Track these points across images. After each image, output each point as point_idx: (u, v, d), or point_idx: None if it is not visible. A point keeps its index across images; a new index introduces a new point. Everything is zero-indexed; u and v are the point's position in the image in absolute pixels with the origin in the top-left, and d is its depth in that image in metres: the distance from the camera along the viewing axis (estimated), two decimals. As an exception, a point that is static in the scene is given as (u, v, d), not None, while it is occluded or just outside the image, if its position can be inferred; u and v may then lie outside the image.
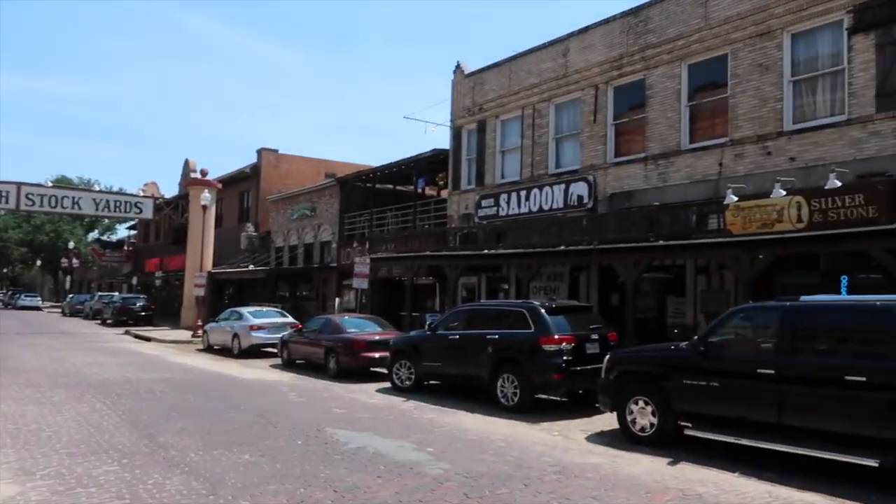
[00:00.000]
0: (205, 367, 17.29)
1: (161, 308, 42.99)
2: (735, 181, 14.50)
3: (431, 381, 13.16)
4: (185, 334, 28.62)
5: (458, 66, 23.47)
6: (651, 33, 16.77)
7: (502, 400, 11.12)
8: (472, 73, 22.70)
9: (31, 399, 11.35)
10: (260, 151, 38.27)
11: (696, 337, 8.35)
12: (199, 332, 27.04)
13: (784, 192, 10.83)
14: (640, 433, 8.58)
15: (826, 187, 10.89)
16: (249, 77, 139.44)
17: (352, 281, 27.05)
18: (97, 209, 34.01)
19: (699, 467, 7.37)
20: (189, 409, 10.63)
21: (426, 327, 13.01)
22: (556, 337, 10.64)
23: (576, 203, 18.18)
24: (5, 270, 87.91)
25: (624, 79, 17.50)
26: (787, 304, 7.65)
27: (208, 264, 32.95)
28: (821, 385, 7.00)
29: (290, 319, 21.83)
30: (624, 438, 8.74)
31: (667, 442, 8.30)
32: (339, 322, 16.27)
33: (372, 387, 13.96)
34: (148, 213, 34.56)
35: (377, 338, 15.41)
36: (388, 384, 14.09)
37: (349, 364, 15.26)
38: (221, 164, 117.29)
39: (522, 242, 17.29)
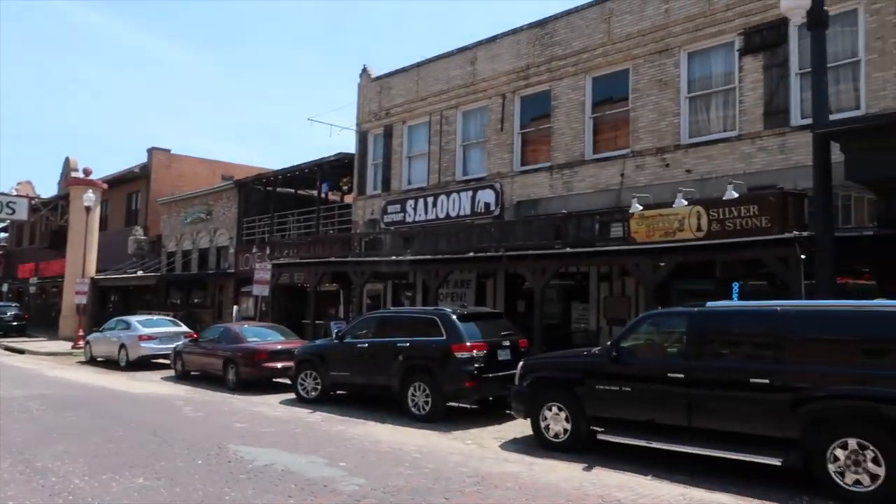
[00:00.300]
0: (88, 381, 15.97)
1: (36, 318, 39.83)
2: (637, 191, 15.00)
3: (339, 392, 12.74)
4: (65, 346, 26.51)
5: (364, 70, 23.12)
6: (557, 45, 17.14)
7: (413, 409, 10.89)
8: (379, 77, 22.43)
9: None
10: (150, 151, 36.21)
11: (608, 343, 8.46)
12: (81, 342, 25.14)
13: (686, 202, 11.27)
14: (553, 439, 8.59)
15: (724, 198, 11.43)
16: (136, 73, 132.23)
17: (251, 288, 26.01)
18: (-38, 209, 30.98)
19: (613, 472, 7.43)
20: (71, 428, 9.68)
21: (333, 336, 12.57)
22: (468, 344, 10.53)
23: (483, 210, 18.27)
24: None
25: (531, 89, 17.79)
26: (695, 309, 7.89)
27: (91, 270, 30.76)
28: (727, 388, 7.25)
29: (183, 328, 20.65)
30: (538, 445, 8.73)
31: (580, 447, 8.35)
32: (238, 331, 15.49)
33: (275, 399, 13.35)
34: (22, 215, 31.83)
35: (280, 347, 14.78)
36: (292, 396, 13.52)
37: (250, 375, 14.54)
38: (106, 164, 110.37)
39: (430, 249, 17.16)
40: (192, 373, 16.67)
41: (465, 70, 19.48)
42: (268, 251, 24.97)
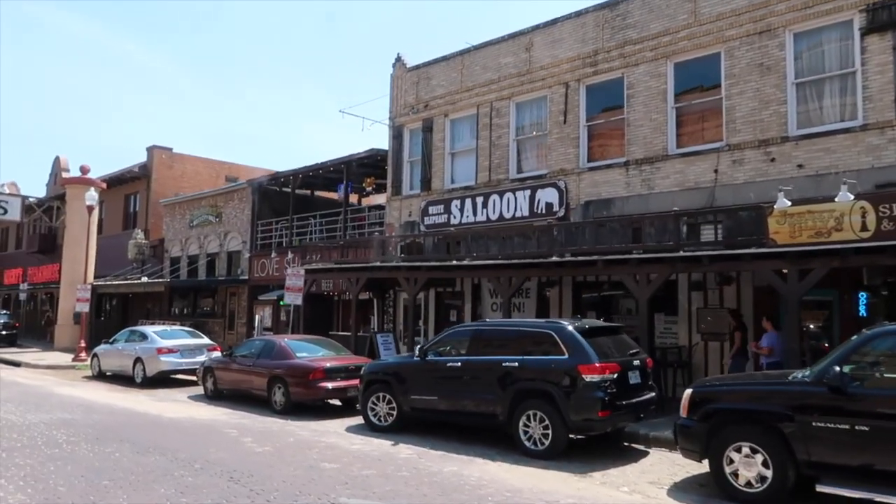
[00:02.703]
0: (109, 402, 13.96)
1: (26, 326, 37.42)
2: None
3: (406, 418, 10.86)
4: (64, 358, 24.31)
5: (398, 59, 21.33)
6: (631, 28, 15.50)
7: (527, 443, 9.09)
8: (417, 67, 20.67)
9: None
10: (151, 149, 34.05)
11: (821, 366, 6.72)
12: (83, 355, 23.03)
13: (852, 196, 9.56)
14: (745, 489, 6.84)
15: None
16: (124, 80, 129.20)
17: (270, 295, 24.17)
18: (-52, 210, 28.64)
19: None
20: (122, 471, 7.76)
21: (416, 352, 10.70)
22: (598, 365, 8.77)
23: (544, 211, 16.55)
24: None
25: (599, 77, 16.12)
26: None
27: (90, 276, 28.55)
28: None
29: (205, 340, 18.67)
30: (721, 495, 6.99)
31: (783, 499, 6.63)
32: (284, 345, 13.57)
33: (337, 425, 11.49)
34: (15, 215, 29.49)
35: (335, 364, 12.90)
36: (352, 421, 11.75)
37: (302, 397, 12.64)
38: (96, 167, 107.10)
39: (480, 253, 15.46)
40: (225, 391, 14.70)
41: (519, 57, 17.78)
42: (289, 256, 23.17)
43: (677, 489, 7.41)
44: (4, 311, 35.01)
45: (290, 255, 23.60)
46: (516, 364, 9.35)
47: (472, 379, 9.83)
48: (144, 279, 28.33)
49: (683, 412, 7.48)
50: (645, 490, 7.38)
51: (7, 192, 30.68)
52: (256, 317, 22.57)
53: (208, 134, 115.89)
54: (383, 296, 20.46)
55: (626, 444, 9.86)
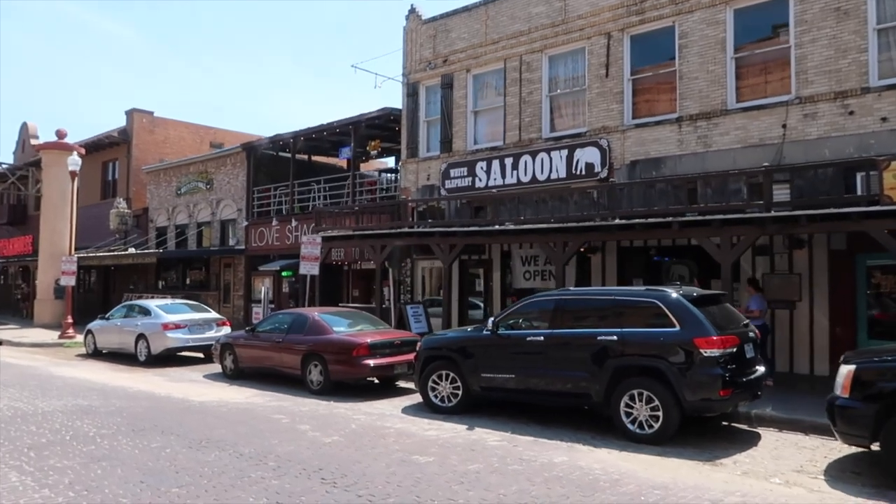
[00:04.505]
0: (120, 384, 12.57)
1: (-2, 302, 35.29)
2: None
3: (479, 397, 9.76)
4: (47, 335, 22.67)
5: (412, 11, 19.81)
6: (683, -28, 14.26)
7: (630, 426, 8.03)
8: (433, 19, 19.17)
9: None
10: (130, 113, 31.90)
11: None
12: (70, 331, 21.44)
13: None
14: (932, 480, 5.88)
15: None
16: (97, 52, 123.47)
17: (271, 266, 22.75)
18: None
19: None
20: (187, 472, 6.50)
21: (489, 325, 9.49)
22: (717, 338, 7.71)
23: (584, 172, 15.41)
24: None
25: (646, 26, 14.90)
26: None
27: (70, 247, 26.65)
28: None
29: (213, 314, 17.29)
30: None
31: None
32: (319, 319, 12.28)
33: (387, 406, 10.34)
34: (-14, 183, 27.29)
35: (378, 339, 11.68)
36: (400, 401, 10.65)
37: (343, 375, 11.42)
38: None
39: (510, 218, 14.32)
40: (246, 370, 13.41)
41: (552, 6, 16.43)
42: (293, 223, 21.78)
43: (834, 479, 6.44)
44: (-24, 286, 32.87)
45: (293, 223, 22.18)
46: (614, 338, 8.25)
47: (559, 355, 8.71)
48: (132, 250, 26.57)
49: (843, 391, 6.48)
50: (801, 481, 6.39)
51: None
52: (263, 289, 21.13)
53: (182, 103, 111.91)
54: (400, 264, 19.21)
55: (724, 423, 8.90)
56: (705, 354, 7.64)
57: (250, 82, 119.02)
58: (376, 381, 12.36)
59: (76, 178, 23.46)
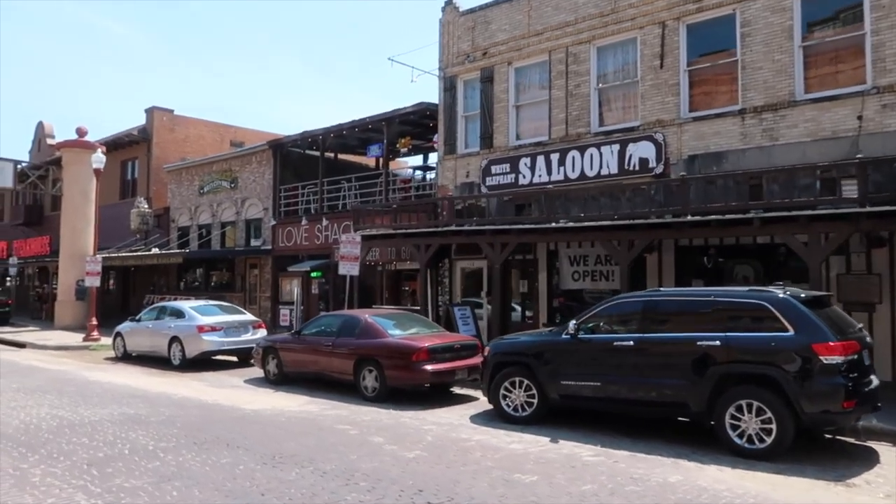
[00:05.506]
0: (163, 390, 11.96)
1: (16, 303, 34.76)
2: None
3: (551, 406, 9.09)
4: (71, 337, 22.13)
5: (449, 2, 19.14)
6: (745, -43, 13.59)
7: (737, 439, 7.37)
8: (472, 11, 18.52)
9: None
10: (150, 111, 31.38)
11: None
12: (95, 333, 20.87)
13: None
14: None
15: None
16: (112, 56, 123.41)
17: (300, 266, 22.17)
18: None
19: None
20: (272, 494, 5.88)
21: (570, 328, 8.83)
22: (837, 343, 7.04)
23: (637, 167, 14.74)
24: None
25: (704, 14, 14.21)
26: None
27: (92, 247, 26.13)
28: None
29: (249, 317, 16.69)
30: None
31: None
32: (372, 321, 11.64)
33: (452, 415, 9.72)
34: (7, 182, 26.78)
35: (437, 343, 11.04)
36: (463, 409, 10.04)
37: (400, 381, 10.79)
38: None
39: (558, 217, 13.66)
40: (291, 375, 12.78)
41: (601, -5, 15.77)
42: (324, 222, 21.19)
43: None
44: (-4, 287, 32.43)
45: (324, 222, 21.58)
46: (717, 343, 7.58)
47: (652, 361, 8.06)
48: (155, 250, 26.00)
49: None
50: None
51: (-3, 156, 27.78)
52: (295, 290, 20.51)
53: (193, 104, 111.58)
54: (437, 265, 18.57)
55: (827, 436, 8.21)
56: (825, 362, 6.97)
57: (257, 82, 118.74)
58: (428, 386, 11.72)
59: (99, 177, 22.91)
